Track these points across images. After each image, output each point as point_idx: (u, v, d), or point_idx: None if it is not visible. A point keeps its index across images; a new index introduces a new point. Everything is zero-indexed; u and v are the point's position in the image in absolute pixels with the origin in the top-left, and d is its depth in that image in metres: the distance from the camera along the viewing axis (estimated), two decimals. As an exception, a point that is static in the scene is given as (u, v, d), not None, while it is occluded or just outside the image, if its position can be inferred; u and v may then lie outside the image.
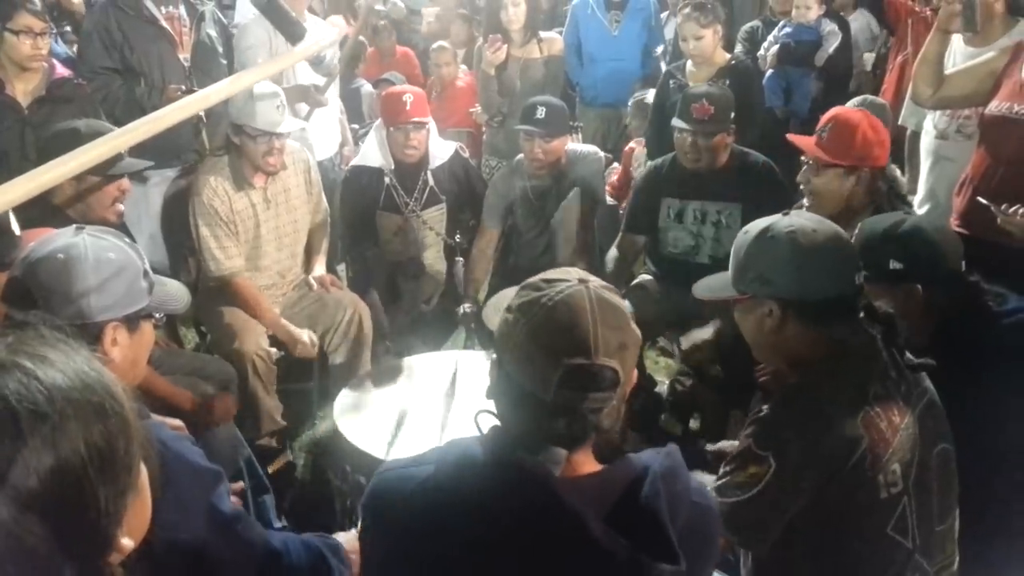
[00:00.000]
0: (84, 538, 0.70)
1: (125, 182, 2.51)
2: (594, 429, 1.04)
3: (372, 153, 3.26)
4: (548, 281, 1.05)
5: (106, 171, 2.41)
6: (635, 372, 1.08)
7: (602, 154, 3.45)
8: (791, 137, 2.59)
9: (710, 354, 2.72)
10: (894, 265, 1.75)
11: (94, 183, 2.42)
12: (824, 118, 2.45)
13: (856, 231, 1.85)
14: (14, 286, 1.37)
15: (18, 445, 0.66)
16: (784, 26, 4.41)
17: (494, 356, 1.10)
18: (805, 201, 2.44)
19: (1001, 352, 1.72)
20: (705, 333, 2.69)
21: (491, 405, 1.09)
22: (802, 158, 2.45)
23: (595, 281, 1.06)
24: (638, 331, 1.07)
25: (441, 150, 3.30)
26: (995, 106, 2.52)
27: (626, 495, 1.00)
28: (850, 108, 2.51)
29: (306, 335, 2.89)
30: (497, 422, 1.08)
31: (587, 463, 1.06)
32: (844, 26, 4.48)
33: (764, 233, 1.50)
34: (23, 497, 0.66)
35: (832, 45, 4.35)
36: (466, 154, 3.52)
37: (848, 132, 2.35)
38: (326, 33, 3.54)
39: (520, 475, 1.01)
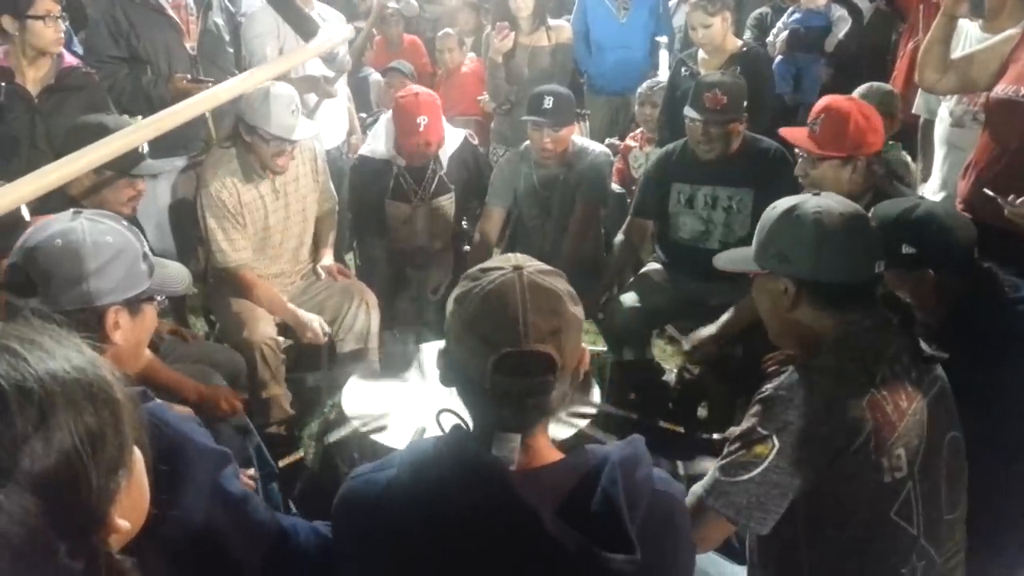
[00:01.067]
0: (76, 514, 0.70)
1: (141, 182, 2.52)
2: (545, 413, 1.05)
3: (380, 146, 3.25)
4: (484, 270, 1.07)
5: (129, 171, 2.43)
6: (583, 352, 1.08)
7: (611, 154, 3.43)
8: (783, 131, 2.57)
9: (714, 348, 2.71)
10: (907, 250, 1.76)
11: (112, 178, 2.43)
12: (815, 110, 2.44)
13: (869, 215, 1.84)
14: (14, 272, 1.37)
15: (7, 423, 0.67)
16: (793, 12, 4.38)
17: (442, 345, 1.11)
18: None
19: (1015, 338, 1.71)
20: (708, 330, 2.68)
21: (453, 400, 1.10)
22: (796, 151, 2.44)
23: (532, 267, 1.06)
24: (579, 312, 1.07)
25: (451, 140, 3.29)
26: (1001, 89, 2.49)
27: (581, 485, 1.01)
28: (840, 98, 2.49)
29: (316, 321, 2.89)
30: (458, 421, 1.09)
31: (545, 450, 1.07)
32: (854, 11, 4.44)
33: (790, 211, 1.50)
34: (14, 474, 0.66)
35: (842, 30, 4.32)
36: (475, 142, 3.50)
37: (840, 122, 2.35)
38: (339, 29, 3.52)
39: (476, 471, 1.01)
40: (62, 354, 0.74)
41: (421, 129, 3.07)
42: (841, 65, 4.39)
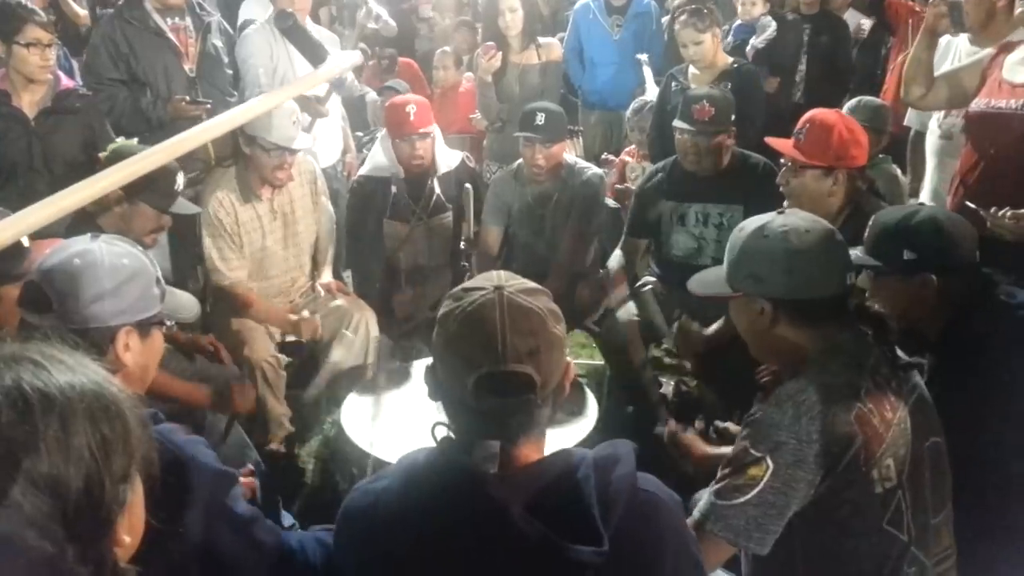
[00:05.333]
0: (87, 519, 0.73)
1: (167, 218, 2.55)
2: (527, 428, 1.07)
3: (379, 162, 3.28)
4: (467, 290, 1.09)
5: (167, 208, 2.47)
6: (568, 366, 1.10)
7: (603, 174, 3.46)
8: (769, 140, 2.62)
9: (700, 347, 2.74)
10: (908, 255, 1.75)
11: (144, 211, 2.46)
12: (801, 120, 2.49)
13: (870, 223, 1.86)
14: (30, 290, 1.39)
15: (29, 428, 0.71)
16: (730, 27, 4.41)
17: (429, 362, 1.14)
18: (786, 203, 2.45)
19: (1012, 343, 1.71)
20: (701, 328, 2.71)
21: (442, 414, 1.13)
22: (780, 160, 2.48)
23: (514, 286, 1.08)
24: (560, 330, 1.09)
25: (448, 158, 3.32)
26: (976, 103, 2.56)
27: (555, 482, 1.03)
28: (827, 110, 2.54)
29: (304, 312, 2.94)
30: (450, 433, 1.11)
31: (529, 454, 1.08)
32: (780, 19, 4.43)
33: (758, 232, 1.52)
34: (33, 478, 0.70)
35: (762, 36, 4.31)
36: (472, 163, 3.53)
37: (824, 133, 2.39)
38: (348, 55, 3.55)
39: (454, 474, 1.04)
40: (80, 370, 0.78)
41: (412, 118, 3.10)
42: (781, 72, 4.41)
